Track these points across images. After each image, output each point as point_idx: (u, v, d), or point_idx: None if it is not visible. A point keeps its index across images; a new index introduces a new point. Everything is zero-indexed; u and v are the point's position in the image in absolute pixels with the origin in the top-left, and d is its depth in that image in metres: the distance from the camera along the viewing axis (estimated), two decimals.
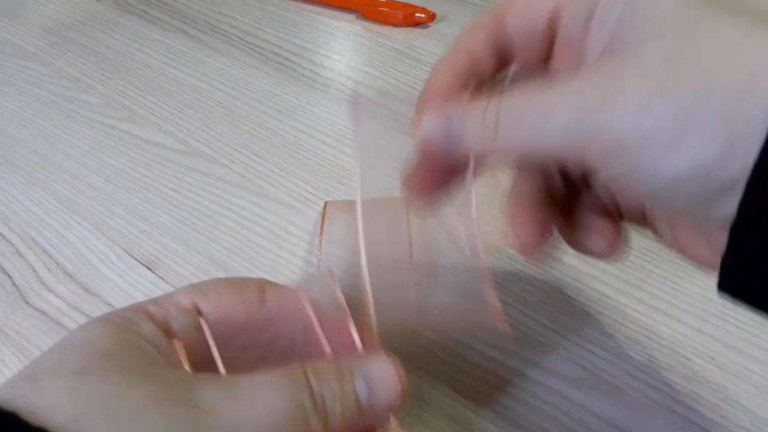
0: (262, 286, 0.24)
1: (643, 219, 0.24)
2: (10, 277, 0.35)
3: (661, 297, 0.32)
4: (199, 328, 0.22)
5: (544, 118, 0.20)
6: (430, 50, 0.52)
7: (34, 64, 0.52)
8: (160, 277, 0.34)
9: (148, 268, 0.35)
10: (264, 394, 0.19)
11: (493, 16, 0.25)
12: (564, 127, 0.20)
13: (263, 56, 0.52)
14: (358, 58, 0.52)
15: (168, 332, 0.22)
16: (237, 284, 0.24)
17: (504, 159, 0.23)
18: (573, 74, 0.21)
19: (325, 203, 0.36)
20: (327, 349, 0.22)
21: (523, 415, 0.27)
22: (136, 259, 0.35)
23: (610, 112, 0.19)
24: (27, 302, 0.33)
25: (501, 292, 0.32)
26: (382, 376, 0.21)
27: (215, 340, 0.22)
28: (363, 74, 0.50)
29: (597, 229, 0.25)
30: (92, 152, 0.43)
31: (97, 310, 0.33)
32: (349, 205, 0.37)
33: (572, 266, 0.33)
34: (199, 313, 0.23)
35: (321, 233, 0.34)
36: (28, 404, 0.17)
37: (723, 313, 0.31)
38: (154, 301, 0.23)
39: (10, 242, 0.37)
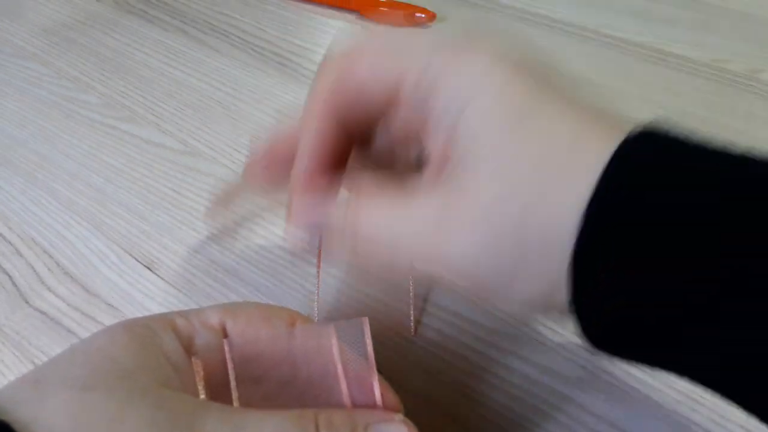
0: (293, 318, 0.23)
1: None
2: (10, 277, 0.35)
3: None
4: (222, 350, 0.22)
5: (395, 245, 0.22)
6: None
7: (34, 64, 0.52)
8: (160, 277, 0.34)
9: (148, 268, 0.35)
10: None
11: (335, 80, 0.24)
12: (411, 257, 0.22)
13: (263, 56, 0.52)
14: None
15: (190, 349, 0.21)
16: (268, 311, 0.24)
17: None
18: (417, 192, 0.22)
19: None
20: (345, 396, 0.22)
21: (523, 415, 0.27)
22: (136, 259, 0.35)
23: (446, 255, 0.21)
24: (27, 302, 0.33)
25: None
26: None
27: (235, 364, 0.21)
28: None
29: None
30: (92, 152, 0.43)
31: (97, 310, 0.33)
32: None
33: None
34: (225, 334, 0.22)
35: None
36: (27, 414, 0.17)
37: None
38: (183, 314, 0.22)
39: (10, 242, 0.37)
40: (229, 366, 0.21)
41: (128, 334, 0.20)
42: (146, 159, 0.42)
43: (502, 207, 0.19)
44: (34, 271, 0.35)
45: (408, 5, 0.56)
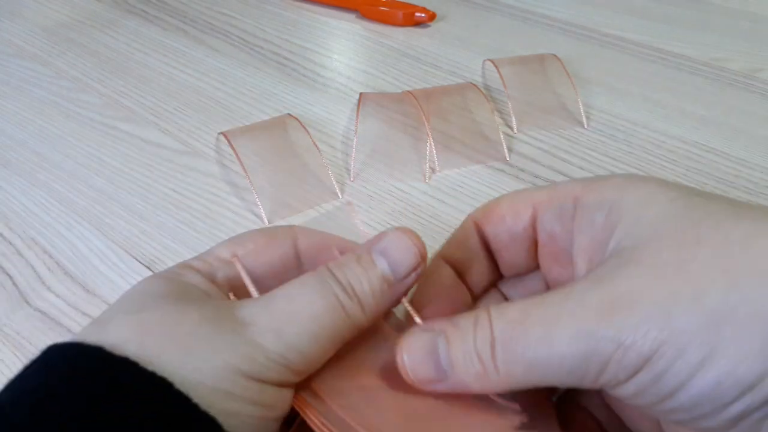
0: (293, 231, 0.25)
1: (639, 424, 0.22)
2: (10, 277, 0.35)
3: None
4: (240, 277, 0.24)
5: (548, 337, 0.18)
6: (429, 50, 0.52)
7: (33, 64, 0.52)
8: None
9: (148, 268, 0.35)
10: (299, 294, 0.21)
11: (469, 227, 0.25)
12: (574, 350, 0.17)
13: (263, 56, 0.52)
14: (358, 57, 0.52)
15: (213, 282, 0.24)
16: (271, 232, 0.25)
17: (506, 388, 0.19)
18: (570, 284, 0.19)
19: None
20: None
21: None
22: (136, 259, 0.35)
23: (628, 323, 0.17)
24: (27, 302, 0.33)
25: None
26: (397, 246, 0.22)
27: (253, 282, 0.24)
28: (363, 74, 0.50)
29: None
30: (92, 152, 0.43)
31: (97, 310, 0.33)
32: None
33: None
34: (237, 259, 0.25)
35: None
36: (102, 342, 0.19)
37: None
38: (197, 257, 0.24)
39: (11, 242, 0.37)
40: (245, 278, 0.23)
41: (159, 278, 0.22)
42: (146, 159, 0.42)
43: (695, 263, 0.17)
44: (35, 271, 0.35)
45: (408, 5, 0.56)
